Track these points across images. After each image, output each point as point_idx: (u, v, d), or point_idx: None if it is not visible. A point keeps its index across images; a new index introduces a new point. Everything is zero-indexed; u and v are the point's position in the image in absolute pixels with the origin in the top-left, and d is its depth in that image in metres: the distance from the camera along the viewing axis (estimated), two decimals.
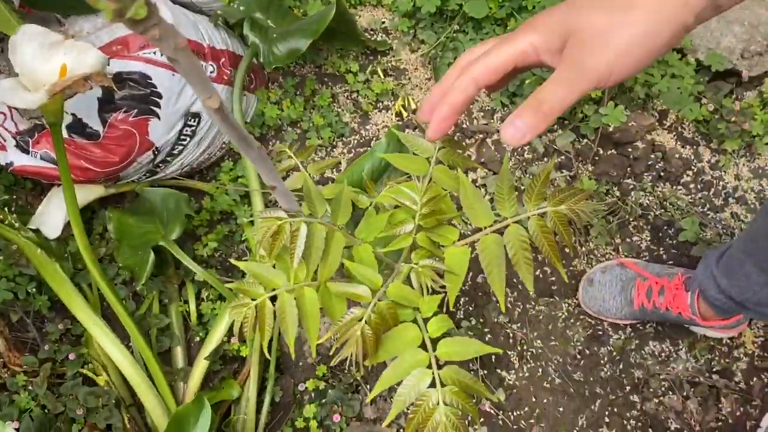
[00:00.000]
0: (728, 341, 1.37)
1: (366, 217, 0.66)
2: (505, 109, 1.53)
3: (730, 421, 1.32)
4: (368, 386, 1.31)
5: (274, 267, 0.61)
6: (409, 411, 0.55)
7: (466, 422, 0.56)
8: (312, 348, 0.58)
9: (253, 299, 0.59)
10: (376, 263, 0.61)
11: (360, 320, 0.56)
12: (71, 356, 1.28)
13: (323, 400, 1.29)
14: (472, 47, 0.56)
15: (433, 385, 0.56)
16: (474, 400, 0.58)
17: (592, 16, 0.48)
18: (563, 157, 1.49)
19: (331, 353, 0.74)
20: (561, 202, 0.58)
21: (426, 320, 0.61)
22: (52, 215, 1.34)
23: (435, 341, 0.59)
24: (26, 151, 1.22)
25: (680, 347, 1.37)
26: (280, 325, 0.58)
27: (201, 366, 1.26)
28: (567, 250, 1.43)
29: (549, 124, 0.50)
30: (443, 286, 0.60)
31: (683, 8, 0.46)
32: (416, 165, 0.64)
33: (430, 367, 0.57)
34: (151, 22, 0.28)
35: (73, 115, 1.20)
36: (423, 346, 0.58)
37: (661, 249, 1.43)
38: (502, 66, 0.52)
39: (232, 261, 0.62)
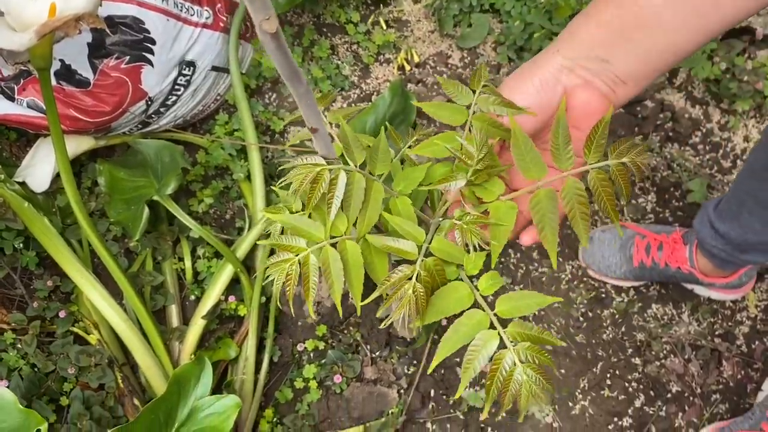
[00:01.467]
0: (731, 305, 1.36)
1: (402, 169, 0.61)
2: (512, 64, 1.47)
3: (732, 384, 1.31)
4: (368, 346, 1.28)
5: (309, 217, 0.56)
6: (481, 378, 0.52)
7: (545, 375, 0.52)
8: (357, 306, 0.54)
9: (296, 254, 0.54)
10: (415, 217, 0.57)
11: (410, 278, 0.52)
12: (61, 314, 1.24)
13: (323, 361, 1.26)
14: None
15: (501, 345, 0.52)
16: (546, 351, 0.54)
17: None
18: None
19: (378, 315, 0.70)
20: (622, 155, 0.56)
21: (472, 278, 0.57)
22: (39, 167, 1.27)
23: (487, 300, 0.56)
24: (11, 99, 1.15)
25: (683, 310, 1.36)
26: (326, 280, 0.53)
27: (197, 325, 1.23)
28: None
29: None
30: (487, 244, 0.56)
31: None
32: (454, 114, 0.59)
33: (492, 327, 0.53)
34: None
35: (61, 61, 1.13)
36: (475, 305, 0.55)
37: (666, 211, 1.41)
38: None
39: (267, 213, 0.57)
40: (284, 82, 0.45)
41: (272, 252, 1.28)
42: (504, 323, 0.54)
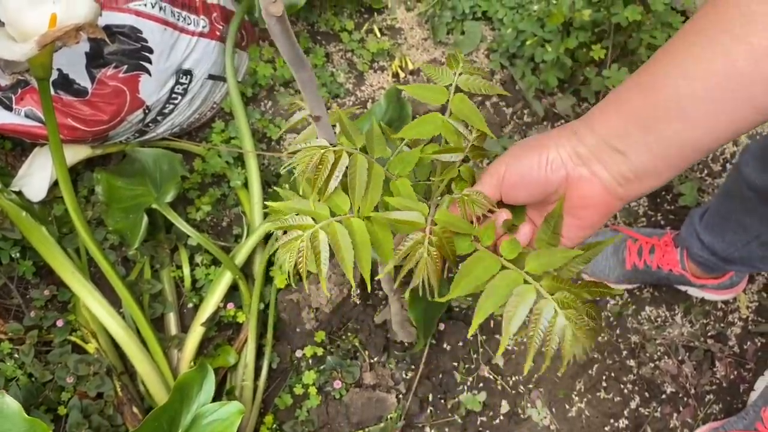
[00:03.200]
0: (723, 306, 1.38)
1: (397, 152, 0.63)
2: (504, 71, 1.49)
3: (725, 384, 1.33)
4: (366, 352, 1.29)
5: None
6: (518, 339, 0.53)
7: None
8: (366, 279, 0.55)
9: (304, 231, 0.55)
10: (416, 198, 0.59)
11: (422, 243, 0.53)
12: (59, 323, 1.23)
13: (322, 367, 1.27)
14: None
15: (537, 300, 0.52)
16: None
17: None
18: (563, 120, 1.47)
19: (396, 285, 0.70)
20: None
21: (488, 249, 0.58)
22: (36, 177, 1.28)
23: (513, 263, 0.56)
24: (9, 109, 1.15)
25: (676, 312, 1.38)
26: (336, 254, 0.54)
27: (196, 333, 1.23)
28: None
29: None
30: (491, 212, 0.57)
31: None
32: (435, 94, 0.61)
33: (526, 283, 0.53)
34: None
35: (59, 70, 1.14)
36: (503, 270, 0.55)
37: (659, 215, 1.43)
38: None
39: (275, 202, 0.58)
40: (290, 69, 0.46)
41: (271, 263, 1.29)
42: (536, 280, 0.54)
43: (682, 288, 1.37)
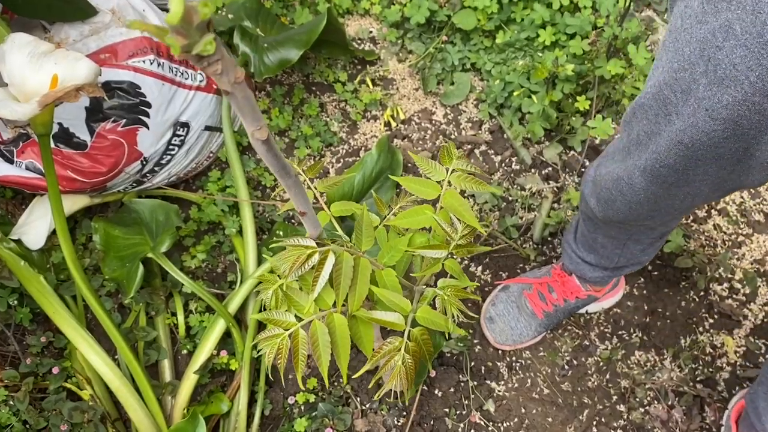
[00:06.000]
0: (711, 351, 1.40)
1: (385, 241, 0.65)
2: (493, 120, 1.54)
3: (714, 429, 1.34)
4: (358, 399, 1.30)
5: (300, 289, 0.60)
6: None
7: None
8: (343, 375, 0.57)
9: (286, 329, 0.57)
10: (400, 288, 0.61)
11: (399, 350, 0.55)
12: (54, 370, 1.25)
13: (314, 413, 1.28)
14: None
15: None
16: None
17: None
18: (550, 168, 1.51)
19: (369, 386, 0.73)
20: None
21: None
22: (35, 226, 1.30)
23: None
24: (10, 161, 1.18)
25: (665, 356, 1.40)
26: (313, 352, 0.56)
27: (190, 380, 1.24)
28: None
29: None
30: (467, 317, 0.60)
31: None
32: (428, 189, 0.64)
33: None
34: (216, 57, 0.27)
35: (59, 124, 1.18)
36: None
37: (649, 265, 1.45)
38: None
39: (261, 279, 0.61)
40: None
41: (263, 308, 1.31)
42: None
43: (587, 305, 1.38)
